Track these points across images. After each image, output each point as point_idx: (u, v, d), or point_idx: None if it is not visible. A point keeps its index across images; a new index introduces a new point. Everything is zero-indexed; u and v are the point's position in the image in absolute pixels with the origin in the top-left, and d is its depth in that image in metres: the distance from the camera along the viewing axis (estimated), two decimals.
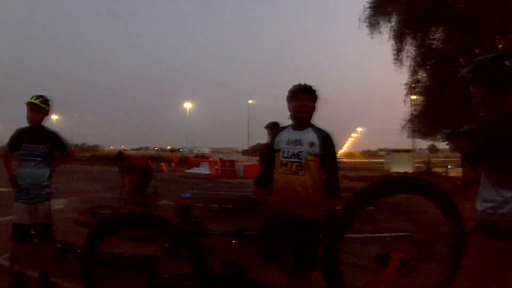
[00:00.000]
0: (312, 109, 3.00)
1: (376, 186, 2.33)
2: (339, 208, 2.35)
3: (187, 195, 6.82)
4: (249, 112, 56.63)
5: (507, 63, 2.03)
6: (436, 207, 2.46)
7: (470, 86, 2.58)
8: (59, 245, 4.40)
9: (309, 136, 2.95)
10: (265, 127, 5.93)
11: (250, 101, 57.82)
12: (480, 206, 1.97)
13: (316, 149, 2.89)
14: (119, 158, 7.68)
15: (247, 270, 3.25)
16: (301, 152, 2.91)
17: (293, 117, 3.04)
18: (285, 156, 2.96)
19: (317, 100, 3.02)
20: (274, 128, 5.50)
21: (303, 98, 2.96)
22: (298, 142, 2.95)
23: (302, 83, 3.03)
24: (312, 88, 3.01)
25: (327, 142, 2.93)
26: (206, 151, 56.16)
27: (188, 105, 59.52)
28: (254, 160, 22.73)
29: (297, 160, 2.90)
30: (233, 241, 3.47)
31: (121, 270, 3.20)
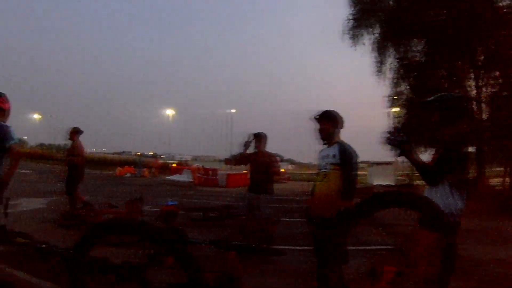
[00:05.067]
0: (327, 130, 3.52)
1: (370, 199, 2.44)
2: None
3: (173, 203, 6.75)
4: (230, 121, 55.92)
5: (459, 101, 2.81)
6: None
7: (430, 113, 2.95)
8: (43, 246, 4.26)
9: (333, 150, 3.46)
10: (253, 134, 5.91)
11: (233, 110, 58.07)
12: (448, 210, 2.43)
13: (336, 160, 3.39)
14: None
15: (241, 282, 3.26)
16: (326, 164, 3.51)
17: None
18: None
19: (331, 122, 3.53)
20: (259, 137, 5.70)
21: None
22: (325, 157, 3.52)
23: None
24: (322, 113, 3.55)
25: (343, 154, 3.39)
26: (188, 158, 54.92)
27: (170, 112, 56.25)
28: (236, 169, 21.89)
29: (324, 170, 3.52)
30: (227, 252, 3.45)
31: (108, 276, 3.09)
